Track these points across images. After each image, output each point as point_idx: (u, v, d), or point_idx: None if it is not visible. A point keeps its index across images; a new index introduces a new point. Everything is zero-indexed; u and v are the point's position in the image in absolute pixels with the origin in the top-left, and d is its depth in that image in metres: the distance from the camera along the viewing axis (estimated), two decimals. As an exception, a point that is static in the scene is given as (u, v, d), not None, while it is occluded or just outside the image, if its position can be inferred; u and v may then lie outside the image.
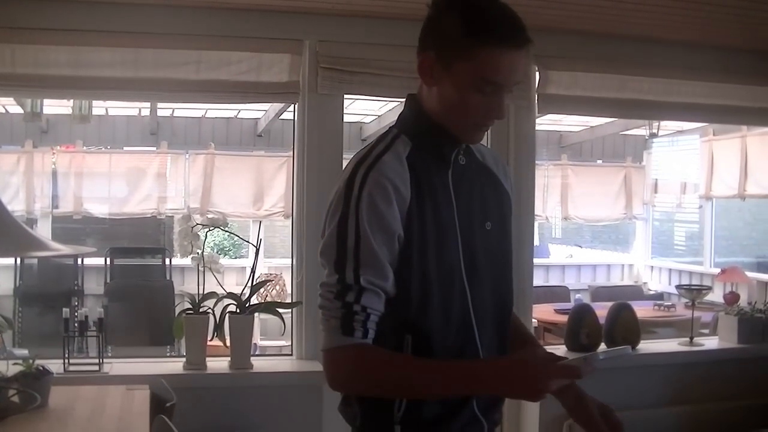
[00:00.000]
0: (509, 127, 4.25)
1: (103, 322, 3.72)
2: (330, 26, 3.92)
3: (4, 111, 8.23)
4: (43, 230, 8.04)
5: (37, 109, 6.81)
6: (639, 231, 10.21)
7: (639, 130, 9.54)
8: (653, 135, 9.38)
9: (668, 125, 9.17)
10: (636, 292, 9.14)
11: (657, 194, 9.87)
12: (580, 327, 4.24)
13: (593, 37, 4.28)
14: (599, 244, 13.58)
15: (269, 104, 7.61)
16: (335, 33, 3.93)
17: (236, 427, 3.68)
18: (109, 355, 4.53)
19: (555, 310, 7.29)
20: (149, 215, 8.43)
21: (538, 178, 4.68)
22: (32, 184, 7.88)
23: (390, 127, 1.92)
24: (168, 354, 6.39)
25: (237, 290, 3.83)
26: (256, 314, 3.90)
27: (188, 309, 3.76)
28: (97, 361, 3.62)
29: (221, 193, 8.22)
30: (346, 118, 4.25)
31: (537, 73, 4.26)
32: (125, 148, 9.06)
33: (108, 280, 7.84)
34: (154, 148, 8.57)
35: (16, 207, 7.60)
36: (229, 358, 3.80)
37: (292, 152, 4.16)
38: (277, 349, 6.51)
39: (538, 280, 8.62)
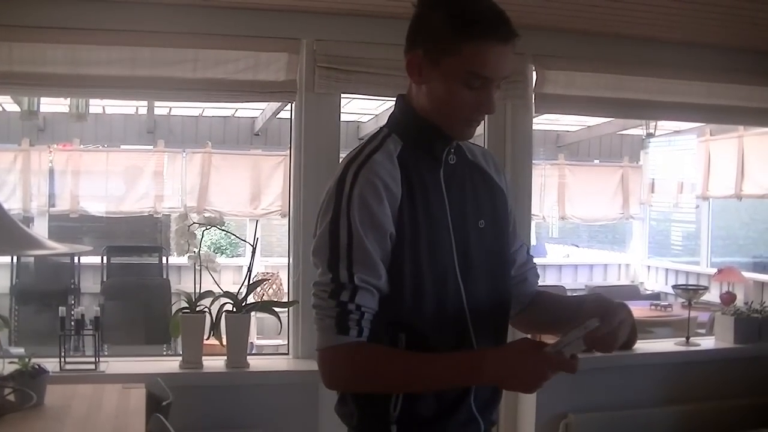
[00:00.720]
0: (506, 127, 4.26)
1: (100, 321, 3.71)
2: (327, 25, 3.92)
3: (1, 109, 8.23)
4: (40, 229, 8.02)
5: (34, 108, 6.79)
6: (636, 231, 10.22)
7: (636, 129, 9.55)
8: (650, 135, 9.38)
9: (665, 125, 9.18)
10: (633, 291, 9.13)
11: (654, 194, 9.88)
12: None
13: (591, 36, 4.28)
14: (596, 243, 13.60)
15: (266, 103, 7.60)
16: (332, 32, 3.93)
17: (233, 426, 3.68)
18: (106, 353, 4.52)
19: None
20: (146, 214, 8.43)
21: (535, 178, 4.68)
22: (29, 183, 7.88)
23: (381, 127, 1.92)
24: (164, 353, 6.42)
25: (234, 289, 3.83)
26: (252, 313, 3.90)
27: (185, 308, 3.76)
28: (93, 359, 3.62)
29: (218, 192, 8.21)
30: (343, 117, 4.25)
31: (534, 73, 4.27)
32: (122, 147, 9.06)
33: (104, 279, 7.83)
34: (151, 147, 8.56)
35: (13, 205, 7.59)
36: (225, 357, 3.80)
37: (289, 151, 4.16)
38: (274, 348, 6.52)
39: (535, 279, 8.59)
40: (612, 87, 4.40)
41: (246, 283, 3.84)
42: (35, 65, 3.61)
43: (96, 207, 8.27)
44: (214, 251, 11.18)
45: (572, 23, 4.11)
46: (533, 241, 7.62)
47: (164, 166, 8.26)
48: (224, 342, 3.81)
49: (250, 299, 3.85)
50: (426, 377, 1.77)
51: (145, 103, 8.22)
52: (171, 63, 3.76)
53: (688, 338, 4.51)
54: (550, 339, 1.78)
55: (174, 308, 3.89)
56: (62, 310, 3.72)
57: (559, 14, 3.93)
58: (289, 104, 4.13)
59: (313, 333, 1.83)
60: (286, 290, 5.30)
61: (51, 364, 3.32)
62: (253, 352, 6.12)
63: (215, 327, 3.77)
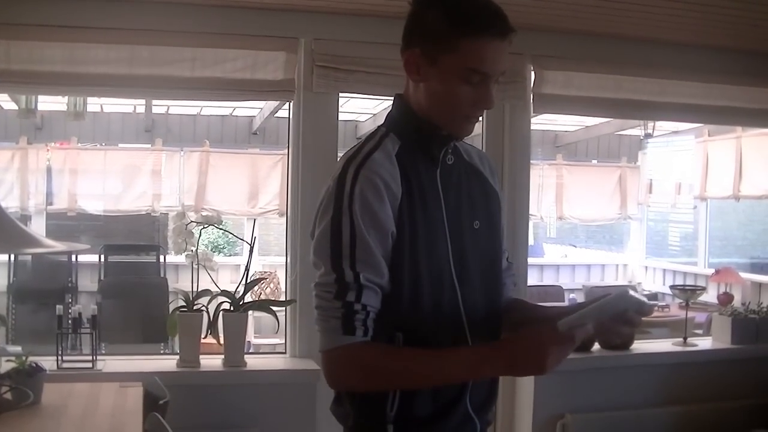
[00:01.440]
0: (504, 127, 4.25)
1: (97, 320, 3.71)
2: (326, 24, 3.92)
3: (-2, 107, 8.22)
4: (38, 227, 8.02)
5: (31, 106, 6.79)
6: (633, 231, 10.23)
7: (634, 130, 9.56)
8: (648, 135, 9.40)
9: (663, 126, 9.19)
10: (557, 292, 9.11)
11: (652, 194, 9.88)
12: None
13: (589, 37, 4.28)
14: (594, 243, 13.60)
15: (264, 102, 7.60)
16: (331, 31, 3.92)
17: (230, 425, 3.67)
18: (103, 352, 4.54)
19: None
20: (144, 212, 8.43)
21: (533, 178, 4.68)
22: (27, 181, 7.87)
23: (378, 127, 1.92)
24: (162, 351, 6.42)
25: (231, 288, 3.84)
26: (250, 312, 3.90)
27: (182, 306, 3.75)
28: (90, 358, 3.62)
29: (216, 191, 8.21)
30: (342, 117, 4.25)
31: (533, 73, 4.26)
32: (120, 145, 9.05)
33: (102, 277, 7.84)
34: (148, 146, 8.56)
35: (11, 203, 7.58)
36: (222, 356, 3.79)
37: (287, 150, 4.16)
38: (271, 347, 6.52)
39: (533, 279, 8.61)
40: (610, 87, 4.39)
41: (243, 281, 3.84)
42: (33, 63, 3.60)
43: (94, 205, 8.26)
44: (211, 250, 11.19)
45: (571, 23, 4.11)
46: (531, 241, 7.59)
47: (162, 164, 8.25)
48: (221, 341, 3.81)
49: (248, 298, 3.85)
50: (436, 373, 1.76)
51: (143, 101, 8.22)
52: (169, 62, 3.76)
53: (685, 339, 4.52)
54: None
55: (171, 307, 3.88)
56: (59, 308, 3.71)
57: (558, 14, 3.93)
58: (287, 103, 4.14)
59: (310, 332, 1.83)
60: (283, 289, 5.29)
61: (48, 363, 3.32)
62: (251, 351, 6.11)
63: (212, 326, 3.77)
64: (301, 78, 3.93)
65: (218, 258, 8.02)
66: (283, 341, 4.16)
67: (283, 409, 3.74)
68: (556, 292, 8.88)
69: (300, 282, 3.91)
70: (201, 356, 3.77)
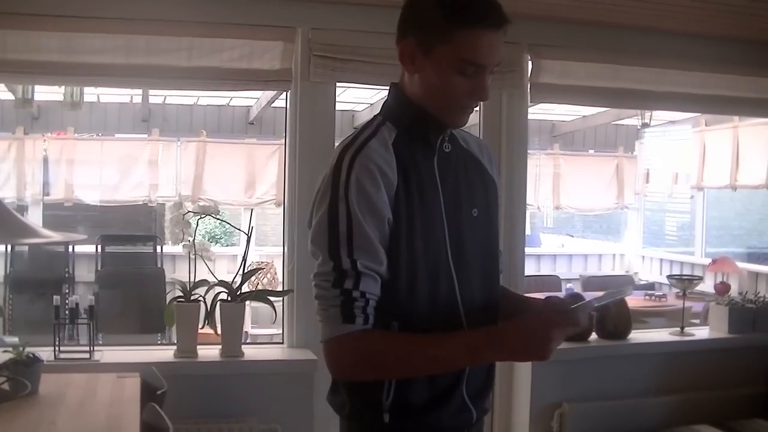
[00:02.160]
0: (501, 117, 4.25)
1: (94, 310, 3.70)
2: (323, 14, 3.91)
3: (-6, 97, 8.19)
4: (34, 217, 8.01)
5: (28, 96, 6.78)
6: (630, 221, 10.22)
7: (631, 119, 9.54)
8: (645, 125, 9.39)
9: (660, 115, 9.17)
10: (627, 281, 9.15)
11: (649, 184, 9.88)
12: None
13: (586, 26, 4.27)
14: (591, 233, 13.62)
15: (261, 92, 7.59)
16: (328, 20, 3.91)
17: (227, 415, 3.68)
18: (100, 342, 4.53)
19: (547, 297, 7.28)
20: (140, 203, 8.40)
21: (530, 168, 4.68)
22: (23, 171, 7.85)
23: (375, 115, 1.92)
24: (159, 342, 6.41)
25: (228, 278, 3.83)
26: (247, 302, 3.89)
27: (179, 297, 3.75)
28: (87, 348, 3.61)
29: (213, 181, 8.19)
30: (339, 106, 4.24)
31: (529, 62, 4.26)
32: (117, 135, 9.02)
33: (99, 268, 7.83)
34: (145, 136, 8.52)
35: (7, 194, 7.56)
36: (220, 346, 3.80)
37: (284, 140, 4.15)
38: (268, 337, 6.52)
39: (530, 269, 8.61)
40: (607, 77, 4.39)
41: (241, 272, 3.83)
42: (29, 53, 3.59)
43: (90, 196, 8.23)
44: (208, 240, 11.21)
45: (568, 12, 4.10)
46: (528, 231, 7.60)
47: (159, 154, 8.22)
48: (219, 331, 3.81)
49: (245, 288, 3.84)
50: (437, 357, 1.76)
51: (139, 91, 8.19)
52: (166, 51, 3.74)
53: (682, 328, 4.52)
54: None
55: (168, 297, 3.88)
56: (56, 298, 3.71)
57: (555, 3, 3.93)
58: (284, 93, 4.13)
59: (307, 322, 1.83)
60: (280, 279, 5.28)
61: (45, 353, 3.32)
62: (248, 341, 6.11)
63: (210, 316, 3.77)
64: (298, 67, 3.92)
65: (215, 248, 7.99)
66: (281, 331, 4.16)
67: (280, 399, 3.75)
68: (553, 281, 8.90)
69: (297, 272, 3.91)
70: (198, 346, 3.77)
